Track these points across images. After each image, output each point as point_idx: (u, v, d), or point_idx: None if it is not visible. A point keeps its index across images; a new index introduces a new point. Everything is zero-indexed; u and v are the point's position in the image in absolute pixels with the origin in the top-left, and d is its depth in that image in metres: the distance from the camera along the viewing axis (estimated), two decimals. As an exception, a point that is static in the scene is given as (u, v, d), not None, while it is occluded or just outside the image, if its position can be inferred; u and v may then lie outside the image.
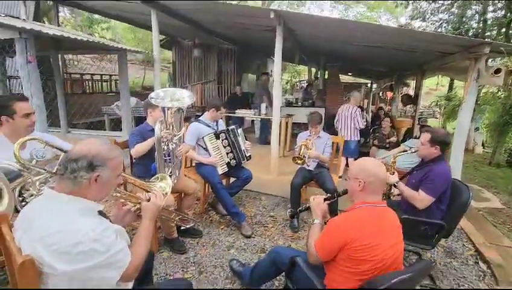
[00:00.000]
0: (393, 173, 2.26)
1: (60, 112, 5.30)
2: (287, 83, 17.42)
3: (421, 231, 2.06)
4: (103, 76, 8.50)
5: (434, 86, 19.68)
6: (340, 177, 4.01)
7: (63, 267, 0.89)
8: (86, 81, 7.71)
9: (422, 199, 2.02)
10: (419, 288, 2.10)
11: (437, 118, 12.82)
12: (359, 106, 4.59)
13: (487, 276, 2.31)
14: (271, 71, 9.55)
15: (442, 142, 2.10)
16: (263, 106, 5.69)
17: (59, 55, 5.40)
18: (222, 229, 2.81)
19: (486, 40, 3.64)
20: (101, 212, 1.13)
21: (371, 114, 7.70)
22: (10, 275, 1.15)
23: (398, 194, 2.28)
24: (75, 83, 7.16)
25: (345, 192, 1.59)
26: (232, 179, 3.20)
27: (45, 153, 1.32)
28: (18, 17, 4.73)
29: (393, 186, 2.29)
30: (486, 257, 2.47)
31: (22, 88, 3.27)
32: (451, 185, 2.10)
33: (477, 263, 2.48)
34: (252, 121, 7.82)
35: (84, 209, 1.00)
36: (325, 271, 1.45)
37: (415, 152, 2.31)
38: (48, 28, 3.40)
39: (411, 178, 2.25)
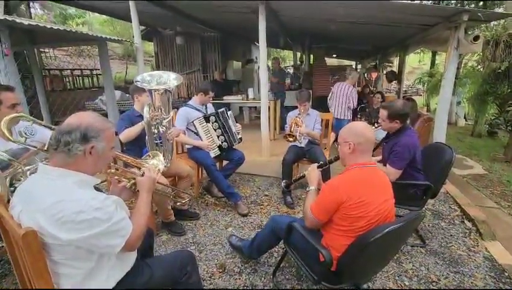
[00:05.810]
0: None
1: (42, 110, 5.14)
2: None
3: (410, 193, 2.15)
4: (83, 71, 8.24)
5: (416, 64, 20.00)
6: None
7: (67, 236, 0.90)
8: (66, 77, 7.46)
9: (389, 173, 2.08)
10: (410, 247, 2.22)
11: (421, 95, 13.11)
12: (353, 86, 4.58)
13: (472, 233, 2.45)
14: (256, 58, 9.45)
15: (401, 116, 2.13)
16: (250, 90, 5.67)
17: (35, 50, 5.19)
18: (218, 210, 2.84)
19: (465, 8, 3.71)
20: (96, 188, 1.13)
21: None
22: (12, 259, 1.10)
23: None
24: (54, 80, 6.91)
25: (337, 158, 1.64)
26: (224, 162, 3.22)
27: (34, 131, 1.29)
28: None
29: None
30: (471, 215, 2.60)
31: (-2, 83, 3.14)
32: (435, 147, 2.19)
33: (463, 221, 2.62)
34: (240, 108, 7.77)
35: (80, 182, 1.00)
36: (322, 233, 1.51)
37: (378, 127, 2.32)
38: (22, 20, 3.24)
39: (383, 151, 2.32)
